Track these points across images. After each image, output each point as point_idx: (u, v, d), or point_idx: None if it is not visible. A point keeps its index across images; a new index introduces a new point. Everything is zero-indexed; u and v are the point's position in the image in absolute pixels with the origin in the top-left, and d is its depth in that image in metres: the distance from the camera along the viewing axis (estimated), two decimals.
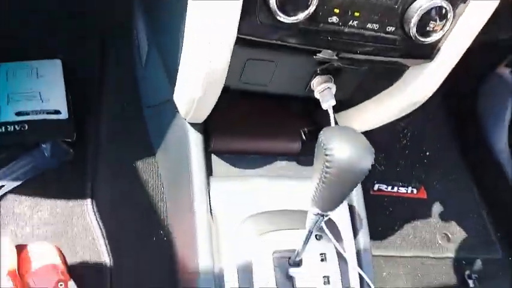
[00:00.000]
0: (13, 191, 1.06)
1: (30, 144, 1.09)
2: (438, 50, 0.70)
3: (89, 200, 1.10)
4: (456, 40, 0.69)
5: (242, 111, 0.95)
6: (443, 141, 1.63)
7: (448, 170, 1.58)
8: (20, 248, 0.99)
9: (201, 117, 0.81)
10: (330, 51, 0.67)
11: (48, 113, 1.11)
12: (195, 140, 0.85)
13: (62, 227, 1.06)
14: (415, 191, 1.52)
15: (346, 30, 0.64)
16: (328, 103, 0.76)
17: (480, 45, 0.74)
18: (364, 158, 0.58)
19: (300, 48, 0.65)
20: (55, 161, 1.10)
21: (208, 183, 0.85)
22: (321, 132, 0.63)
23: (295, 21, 0.59)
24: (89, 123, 1.18)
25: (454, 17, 0.65)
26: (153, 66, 1.02)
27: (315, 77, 0.79)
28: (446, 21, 0.65)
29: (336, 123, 0.83)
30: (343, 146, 0.58)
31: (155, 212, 1.10)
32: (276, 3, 0.58)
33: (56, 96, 1.14)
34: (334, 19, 0.62)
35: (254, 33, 0.61)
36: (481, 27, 0.69)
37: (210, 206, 0.83)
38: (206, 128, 0.88)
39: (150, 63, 1.06)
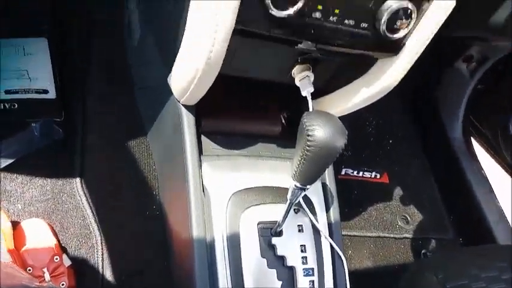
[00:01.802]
0: (4, 169, 1.08)
1: (20, 123, 1.11)
2: (403, 45, 0.79)
3: (78, 179, 1.12)
4: (419, 36, 0.78)
5: (229, 96, 1.01)
6: (405, 130, 1.72)
7: (408, 157, 1.67)
8: (13, 225, 1.02)
9: (195, 100, 0.88)
10: (310, 42, 0.75)
11: (37, 92, 1.12)
12: (188, 121, 0.91)
13: (53, 205, 1.09)
14: (378, 175, 1.60)
15: (327, 25, 0.72)
16: (307, 90, 0.84)
17: (438, 42, 0.84)
18: (339, 137, 0.71)
19: (284, 39, 0.73)
20: (45, 140, 1.12)
21: (200, 162, 0.92)
22: (304, 115, 0.73)
23: (285, 15, 0.67)
24: (77, 101, 1.19)
25: (417, 16, 0.75)
26: (147, 49, 1.07)
27: (295, 66, 0.86)
28: (411, 21, 0.75)
29: (313, 109, 0.93)
30: (322, 127, 0.70)
31: (147, 189, 1.15)
32: None
33: (43, 75, 1.15)
34: (318, 14, 0.70)
35: (249, 25, 0.69)
36: (440, 26, 0.78)
37: (202, 182, 0.91)
38: (196, 111, 0.94)
39: (144, 46, 1.10)
